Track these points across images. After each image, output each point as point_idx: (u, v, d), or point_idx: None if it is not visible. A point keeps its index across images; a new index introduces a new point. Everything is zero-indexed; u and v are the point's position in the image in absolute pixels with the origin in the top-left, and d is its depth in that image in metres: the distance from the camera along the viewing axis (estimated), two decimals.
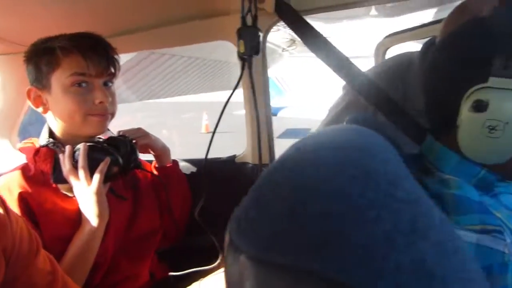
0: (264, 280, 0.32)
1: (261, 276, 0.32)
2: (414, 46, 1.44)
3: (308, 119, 8.53)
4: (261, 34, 1.03)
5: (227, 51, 3.84)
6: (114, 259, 0.98)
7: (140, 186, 1.10)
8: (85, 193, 0.90)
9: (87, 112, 0.93)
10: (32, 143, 0.99)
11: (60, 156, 0.93)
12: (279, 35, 6.07)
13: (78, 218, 0.92)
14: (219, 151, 1.26)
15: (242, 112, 1.26)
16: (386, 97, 1.14)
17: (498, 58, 0.76)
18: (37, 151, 0.96)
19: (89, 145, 0.92)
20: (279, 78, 12.11)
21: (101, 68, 0.93)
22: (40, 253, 0.68)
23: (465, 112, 0.79)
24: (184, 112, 13.46)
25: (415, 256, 0.31)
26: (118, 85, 1.41)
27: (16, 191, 0.90)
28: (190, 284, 1.02)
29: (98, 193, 0.90)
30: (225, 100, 0.96)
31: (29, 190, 0.91)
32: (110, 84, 0.97)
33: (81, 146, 0.91)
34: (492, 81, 0.77)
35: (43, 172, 0.95)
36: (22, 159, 0.99)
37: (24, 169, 0.95)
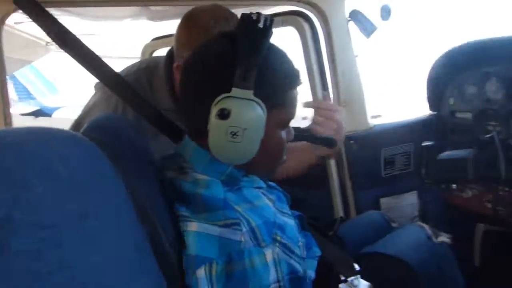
0: None
1: None
2: None
3: None
4: None
5: None
6: None
7: None
8: None
9: None
10: None
11: None
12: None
13: None
14: None
15: None
16: (135, 95, 1.18)
17: (239, 70, 0.86)
18: None
19: None
20: (53, 75, 10.75)
21: None
22: None
23: (213, 119, 0.88)
24: None
25: None
26: None
27: None
28: None
29: None
30: None
31: None
32: None
33: None
34: (234, 91, 0.87)
35: None
36: None
37: None
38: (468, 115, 1.82)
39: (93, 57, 1.08)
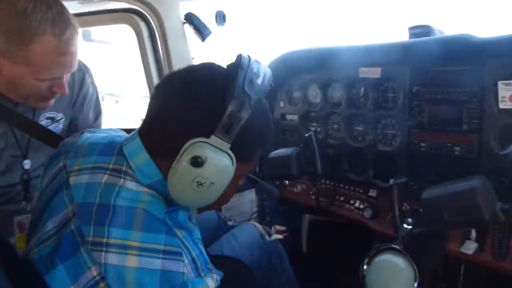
0: None
1: None
2: None
3: None
4: None
5: None
6: None
7: None
8: None
9: None
10: None
11: None
12: None
13: None
14: None
15: None
16: None
17: (226, 120, 0.81)
18: None
19: None
20: None
21: None
22: None
23: (184, 162, 0.81)
24: None
25: None
26: None
27: None
28: None
29: None
30: None
31: None
32: None
33: None
34: (213, 139, 0.81)
35: None
36: None
37: None
38: (295, 117, 2.01)
39: None
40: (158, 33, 1.81)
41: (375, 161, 1.67)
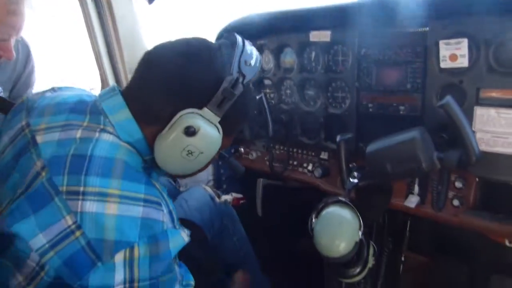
0: None
1: None
2: None
3: None
4: None
5: None
6: None
7: None
8: None
9: None
10: None
11: None
12: None
13: None
14: None
15: None
16: None
17: (219, 96, 0.86)
18: None
19: None
20: None
21: None
22: None
23: (177, 131, 0.83)
24: None
25: None
26: None
27: None
28: None
29: None
30: None
31: None
32: None
33: None
34: (205, 112, 0.84)
35: None
36: None
37: None
38: (250, 84, 1.99)
39: None
40: None
41: (326, 124, 1.70)
